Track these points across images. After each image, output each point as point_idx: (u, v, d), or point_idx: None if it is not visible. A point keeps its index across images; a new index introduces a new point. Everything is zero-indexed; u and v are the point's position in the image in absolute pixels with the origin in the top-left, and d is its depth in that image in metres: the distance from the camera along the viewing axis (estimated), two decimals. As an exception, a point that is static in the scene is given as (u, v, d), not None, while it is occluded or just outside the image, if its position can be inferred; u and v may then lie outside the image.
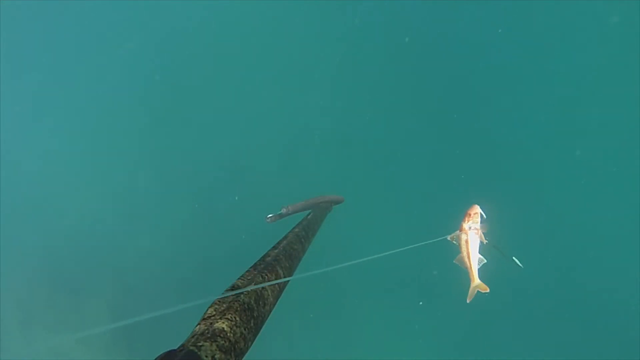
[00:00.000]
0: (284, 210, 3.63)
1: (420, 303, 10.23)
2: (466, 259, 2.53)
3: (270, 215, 3.62)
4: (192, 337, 1.14)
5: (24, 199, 12.88)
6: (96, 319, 10.95)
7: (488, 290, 2.52)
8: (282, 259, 1.89)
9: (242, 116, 12.67)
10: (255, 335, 1.36)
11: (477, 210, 2.52)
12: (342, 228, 9.50)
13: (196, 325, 1.21)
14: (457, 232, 2.55)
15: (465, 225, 2.51)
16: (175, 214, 12.06)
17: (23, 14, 13.19)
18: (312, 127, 12.46)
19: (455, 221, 2.64)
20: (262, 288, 1.53)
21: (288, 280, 1.48)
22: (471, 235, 2.50)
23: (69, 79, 13.56)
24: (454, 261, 2.59)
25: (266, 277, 1.62)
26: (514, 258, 2.68)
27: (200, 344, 1.09)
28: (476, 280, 2.53)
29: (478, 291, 2.56)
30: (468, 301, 2.55)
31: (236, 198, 9.96)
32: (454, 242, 2.57)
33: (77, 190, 12.79)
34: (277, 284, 1.61)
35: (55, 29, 13.57)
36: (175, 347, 1.05)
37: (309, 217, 3.05)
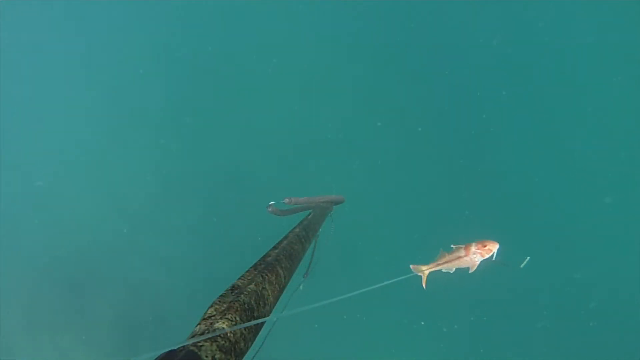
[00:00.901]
0: (286, 201, 3.64)
1: (422, 323, 10.27)
2: (443, 259, 2.66)
3: (271, 203, 3.62)
4: (192, 337, 1.14)
5: (27, 200, 12.89)
6: (98, 320, 10.94)
7: (424, 286, 2.70)
8: (282, 259, 1.89)
9: (243, 118, 12.68)
10: (255, 335, 1.36)
11: (494, 248, 2.57)
12: (343, 228, 9.48)
13: (196, 325, 1.21)
14: (462, 246, 2.62)
15: (472, 249, 2.57)
16: (175, 215, 12.06)
17: (23, 14, 13.18)
18: (312, 130, 12.46)
19: (459, 232, 2.69)
20: (262, 288, 1.53)
21: (263, 321, 1.39)
22: (468, 258, 2.57)
23: (70, 80, 13.55)
24: (442, 249, 2.72)
25: (266, 277, 1.63)
26: (528, 258, 2.71)
27: (200, 344, 1.09)
28: (426, 272, 2.69)
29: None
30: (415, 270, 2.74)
31: (259, 238, 9.81)
32: (453, 247, 2.66)
33: (77, 192, 12.79)
34: (271, 297, 1.60)
35: (55, 29, 13.56)
36: (175, 347, 1.05)
37: (309, 217, 3.06)
